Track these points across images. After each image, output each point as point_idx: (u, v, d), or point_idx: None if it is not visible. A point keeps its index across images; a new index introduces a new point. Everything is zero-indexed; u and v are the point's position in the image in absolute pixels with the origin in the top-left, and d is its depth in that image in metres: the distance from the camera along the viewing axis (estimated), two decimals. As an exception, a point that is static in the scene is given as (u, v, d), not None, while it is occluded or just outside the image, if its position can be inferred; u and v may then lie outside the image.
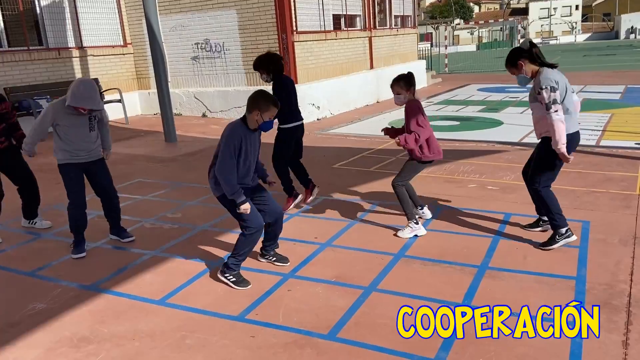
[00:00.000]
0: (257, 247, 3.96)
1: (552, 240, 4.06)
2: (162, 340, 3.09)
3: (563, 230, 4.04)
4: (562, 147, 3.80)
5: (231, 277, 3.74)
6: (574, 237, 4.06)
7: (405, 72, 4.44)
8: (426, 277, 3.73)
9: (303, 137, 5.35)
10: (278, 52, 10.93)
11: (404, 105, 4.40)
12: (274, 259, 4.08)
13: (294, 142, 5.24)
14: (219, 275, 3.78)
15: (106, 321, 3.34)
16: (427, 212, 4.85)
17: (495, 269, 3.78)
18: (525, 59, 3.96)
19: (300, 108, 5.35)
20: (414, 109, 4.33)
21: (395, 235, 4.51)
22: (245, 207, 3.55)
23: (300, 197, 5.33)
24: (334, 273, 3.85)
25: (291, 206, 5.27)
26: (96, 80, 11.65)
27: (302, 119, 5.23)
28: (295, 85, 5.52)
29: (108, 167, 4.63)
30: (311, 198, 5.36)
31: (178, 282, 3.84)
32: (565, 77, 3.94)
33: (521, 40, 4.07)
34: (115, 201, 4.66)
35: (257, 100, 3.52)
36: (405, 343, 2.93)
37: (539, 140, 4.13)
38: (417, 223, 4.47)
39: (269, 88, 4.62)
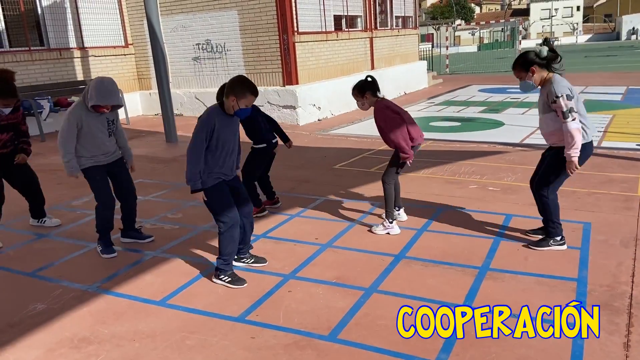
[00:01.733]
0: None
1: (544, 242, 4.08)
2: (163, 341, 3.08)
3: (558, 238, 4.07)
4: (576, 157, 3.75)
5: (225, 277, 3.74)
6: (565, 247, 4.07)
7: (364, 78, 4.46)
8: (427, 278, 3.73)
9: (275, 154, 5.39)
10: (280, 52, 10.95)
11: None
12: (251, 260, 4.06)
13: (266, 161, 5.34)
14: (214, 280, 3.79)
15: (107, 322, 3.34)
16: (403, 215, 4.87)
17: (496, 271, 3.77)
18: (539, 65, 3.82)
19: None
20: (378, 114, 4.41)
21: (369, 231, 4.59)
22: (197, 196, 3.57)
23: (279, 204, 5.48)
24: (334, 274, 3.84)
25: (255, 215, 5.33)
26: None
27: (273, 139, 5.26)
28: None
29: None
30: (272, 206, 5.47)
31: (178, 282, 3.84)
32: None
33: (537, 47, 3.90)
34: (135, 202, 4.63)
35: (233, 86, 3.46)
36: (405, 344, 2.92)
37: (549, 147, 4.06)
38: (392, 222, 4.54)
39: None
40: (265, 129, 5.17)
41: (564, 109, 3.68)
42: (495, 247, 4.17)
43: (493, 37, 53.12)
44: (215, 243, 4.53)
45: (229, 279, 3.73)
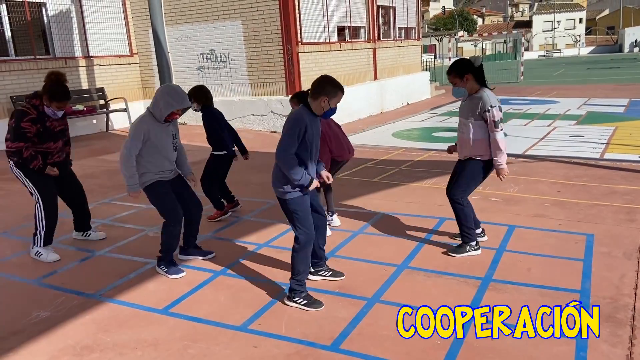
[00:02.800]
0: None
1: (462, 249, 4.25)
2: (165, 350, 3.08)
3: (473, 243, 4.25)
4: (504, 164, 4.06)
5: (300, 299, 3.54)
6: (479, 252, 4.23)
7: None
8: (430, 288, 3.73)
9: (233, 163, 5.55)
10: (283, 62, 11.01)
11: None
12: (329, 273, 3.95)
13: (225, 168, 5.54)
14: (287, 302, 3.57)
15: (109, 330, 3.34)
16: (335, 220, 5.10)
17: (499, 282, 3.77)
18: (472, 74, 4.04)
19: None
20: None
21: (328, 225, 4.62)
22: (315, 184, 3.50)
23: (239, 206, 5.71)
24: (337, 284, 3.84)
25: (218, 218, 5.48)
26: (102, 89, 11.75)
27: (232, 148, 5.49)
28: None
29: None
30: (232, 209, 5.65)
31: (181, 291, 3.84)
32: None
33: (472, 57, 4.19)
34: (200, 216, 4.42)
35: (324, 86, 3.39)
36: (408, 355, 2.92)
37: (463, 159, 4.24)
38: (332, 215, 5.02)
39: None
40: (227, 137, 5.42)
41: (496, 119, 3.93)
42: (498, 258, 4.16)
43: (495, 48, 53.28)
44: (218, 250, 4.54)
45: (305, 301, 3.52)
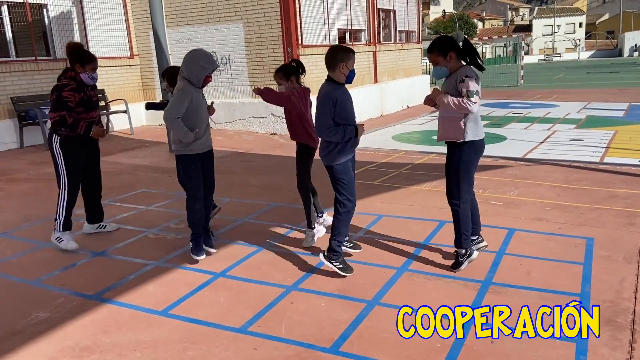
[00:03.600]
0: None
1: (457, 264, 3.98)
2: (164, 352, 3.08)
3: (463, 252, 3.98)
4: (441, 102, 3.73)
5: (337, 263, 3.89)
6: (476, 255, 4.02)
7: (289, 62, 4.69)
8: (429, 291, 3.72)
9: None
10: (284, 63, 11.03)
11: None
12: (350, 245, 4.27)
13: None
14: (325, 261, 3.91)
15: (108, 331, 3.34)
16: (328, 219, 4.81)
17: (499, 285, 3.76)
18: (456, 53, 3.73)
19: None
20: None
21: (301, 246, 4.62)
22: (361, 130, 3.80)
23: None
24: (337, 286, 3.84)
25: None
26: (102, 90, 11.76)
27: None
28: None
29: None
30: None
31: (181, 292, 3.84)
32: None
33: (454, 33, 3.86)
34: (212, 200, 4.63)
35: (336, 54, 3.68)
36: (408, 357, 2.92)
37: (446, 145, 3.99)
38: (314, 228, 4.64)
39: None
40: None
41: (470, 89, 3.61)
42: (498, 261, 4.16)
43: (495, 52, 53.30)
44: (217, 252, 4.54)
45: (340, 265, 3.88)
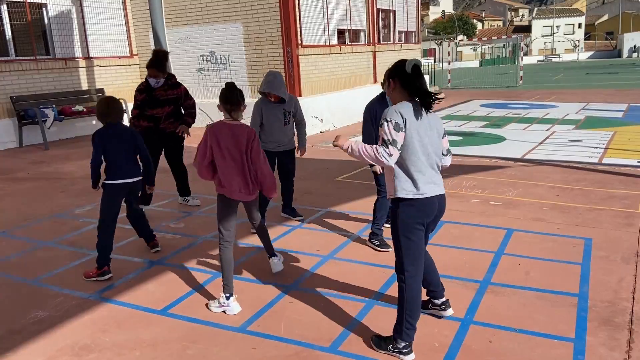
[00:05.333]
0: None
1: (383, 343, 2.97)
2: (164, 351, 3.09)
3: (401, 345, 2.89)
4: (346, 147, 2.87)
5: (375, 241, 4.57)
6: (411, 356, 2.89)
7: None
8: (428, 291, 3.72)
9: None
10: (283, 65, 11.04)
11: None
12: (377, 242, 4.62)
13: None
14: (368, 242, 4.55)
15: (108, 330, 3.34)
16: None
17: (497, 285, 3.77)
18: (400, 82, 2.84)
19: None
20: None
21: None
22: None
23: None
24: (336, 286, 3.85)
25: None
26: (102, 90, 11.76)
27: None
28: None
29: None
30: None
31: (180, 292, 3.84)
32: (440, 123, 2.94)
33: (409, 59, 2.86)
34: (292, 183, 5.36)
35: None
36: (406, 357, 2.92)
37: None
38: (229, 298, 3.51)
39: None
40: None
41: (385, 137, 2.73)
42: (497, 262, 4.17)
43: (495, 53, 53.32)
44: (217, 252, 4.53)
45: (378, 242, 4.52)
